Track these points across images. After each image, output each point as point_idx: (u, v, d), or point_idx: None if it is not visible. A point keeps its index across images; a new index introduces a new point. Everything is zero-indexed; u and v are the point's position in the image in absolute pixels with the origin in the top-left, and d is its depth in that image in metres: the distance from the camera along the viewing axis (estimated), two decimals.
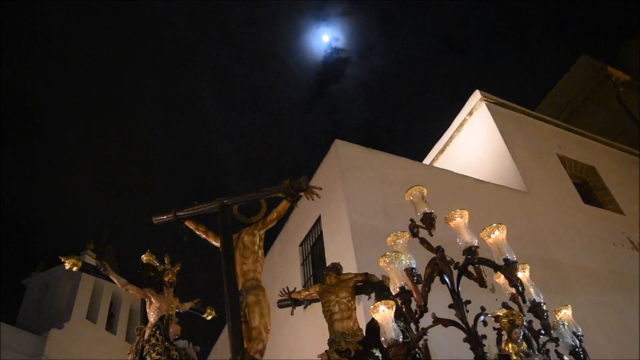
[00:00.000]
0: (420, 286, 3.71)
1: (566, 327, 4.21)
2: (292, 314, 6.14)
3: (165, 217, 6.17)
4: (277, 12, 51.23)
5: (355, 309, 5.67)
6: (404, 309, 3.69)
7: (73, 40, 44.53)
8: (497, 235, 3.75)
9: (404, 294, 3.68)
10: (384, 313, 3.61)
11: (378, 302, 3.70)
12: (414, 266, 3.82)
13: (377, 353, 4.81)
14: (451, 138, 15.10)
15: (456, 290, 3.63)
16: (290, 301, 6.08)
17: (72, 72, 45.15)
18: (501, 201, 11.38)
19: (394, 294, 3.76)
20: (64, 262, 6.47)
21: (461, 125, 14.78)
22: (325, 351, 5.26)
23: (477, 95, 14.38)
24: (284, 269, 11.52)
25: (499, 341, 4.21)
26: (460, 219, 3.87)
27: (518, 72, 46.46)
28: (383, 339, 3.54)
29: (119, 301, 23.10)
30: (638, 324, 10.22)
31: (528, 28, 46.16)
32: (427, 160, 15.50)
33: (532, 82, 43.15)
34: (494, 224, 3.80)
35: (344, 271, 5.99)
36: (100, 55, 47.91)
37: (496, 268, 3.60)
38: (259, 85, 51.81)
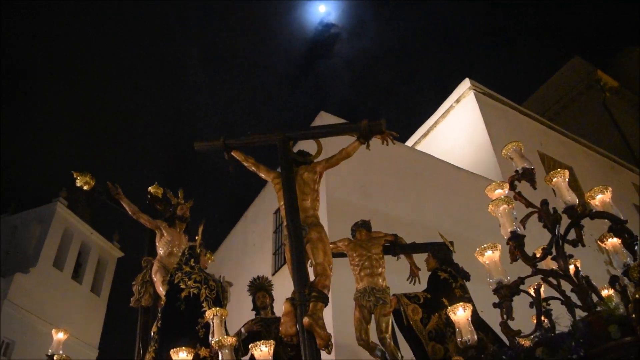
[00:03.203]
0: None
1: None
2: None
3: (210, 143, 5.70)
4: None
5: (384, 266, 5.70)
6: (517, 254, 3.65)
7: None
8: (603, 197, 3.69)
9: (517, 238, 3.64)
10: (492, 255, 3.69)
11: (484, 246, 3.72)
12: (515, 216, 3.81)
13: (447, 302, 4.83)
14: (436, 123, 15.15)
15: (561, 243, 3.58)
16: None
17: (56, 30, 44.17)
18: (478, 190, 11.41)
19: (505, 238, 3.71)
20: (76, 178, 6.20)
21: (447, 111, 14.82)
22: (395, 295, 5.33)
23: (466, 83, 14.40)
24: (256, 235, 11.54)
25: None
26: (562, 177, 3.83)
27: (508, 67, 46.64)
28: (490, 280, 3.60)
29: (87, 251, 22.99)
30: None
31: (523, 25, 46.23)
32: (409, 143, 15.55)
33: (522, 77, 43.39)
34: (600, 186, 3.75)
35: None
36: (86, 14, 46.84)
37: (616, 221, 3.48)
38: (246, 55, 51.14)
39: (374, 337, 5.42)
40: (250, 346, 3.93)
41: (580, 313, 3.39)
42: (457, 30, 50.16)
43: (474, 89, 14.24)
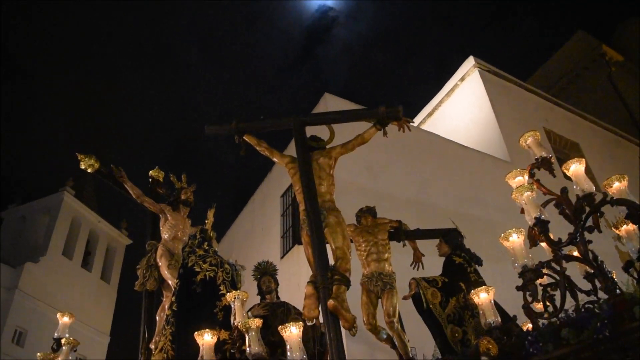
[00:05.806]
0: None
1: None
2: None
3: (221, 126, 5.73)
4: None
5: (390, 252, 5.76)
6: (540, 238, 3.79)
7: None
8: (620, 185, 3.74)
9: (542, 223, 3.76)
10: (517, 239, 3.83)
11: (509, 231, 3.84)
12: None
13: (463, 286, 5.09)
14: (441, 102, 15.06)
15: (581, 229, 3.69)
16: None
17: (55, 18, 43.91)
18: (484, 169, 11.46)
19: (530, 224, 3.82)
20: (80, 161, 6.19)
21: (452, 90, 14.73)
22: (414, 278, 5.38)
23: (470, 61, 14.29)
24: (264, 218, 11.57)
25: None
26: (579, 166, 3.87)
27: (511, 43, 46.23)
28: (516, 264, 3.74)
29: (95, 239, 23.13)
30: None
31: None
32: (415, 122, 15.48)
33: (526, 53, 42.96)
34: (617, 175, 3.79)
35: None
36: (87, 3, 46.55)
37: (636, 207, 3.56)
38: (245, 44, 50.81)
39: (380, 322, 5.48)
40: (279, 328, 3.92)
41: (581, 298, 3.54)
42: (457, 8, 49.71)
43: (479, 67, 14.14)
